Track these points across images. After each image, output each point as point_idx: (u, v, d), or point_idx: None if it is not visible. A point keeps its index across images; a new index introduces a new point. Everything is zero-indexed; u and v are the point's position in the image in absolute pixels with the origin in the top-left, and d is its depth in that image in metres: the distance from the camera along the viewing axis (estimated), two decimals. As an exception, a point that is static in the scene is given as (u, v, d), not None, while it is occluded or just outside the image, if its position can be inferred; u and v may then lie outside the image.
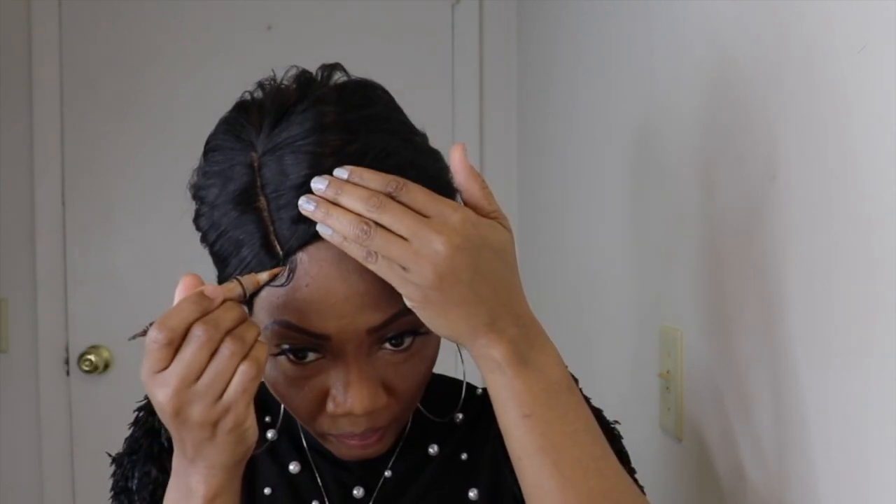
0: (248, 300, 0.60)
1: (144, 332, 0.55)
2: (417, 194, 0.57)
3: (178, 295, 0.56)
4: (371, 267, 0.56)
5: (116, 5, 2.10)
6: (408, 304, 0.57)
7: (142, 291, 2.08)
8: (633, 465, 0.74)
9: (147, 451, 0.73)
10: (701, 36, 0.85)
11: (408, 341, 0.62)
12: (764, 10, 0.70)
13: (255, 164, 0.59)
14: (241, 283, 0.57)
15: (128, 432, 0.75)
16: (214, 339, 0.54)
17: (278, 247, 0.58)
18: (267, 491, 0.73)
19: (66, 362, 2.12)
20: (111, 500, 0.74)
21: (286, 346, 0.61)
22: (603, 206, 1.26)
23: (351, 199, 0.56)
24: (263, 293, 0.59)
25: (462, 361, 0.68)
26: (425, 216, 0.56)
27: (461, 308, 0.56)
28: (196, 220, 0.63)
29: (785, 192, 0.67)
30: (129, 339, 0.59)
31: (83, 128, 2.11)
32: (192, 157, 0.66)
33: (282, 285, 0.58)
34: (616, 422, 0.76)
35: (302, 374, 0.62)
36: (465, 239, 0.56)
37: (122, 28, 2.11)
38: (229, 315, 0.55)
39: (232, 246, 0.60)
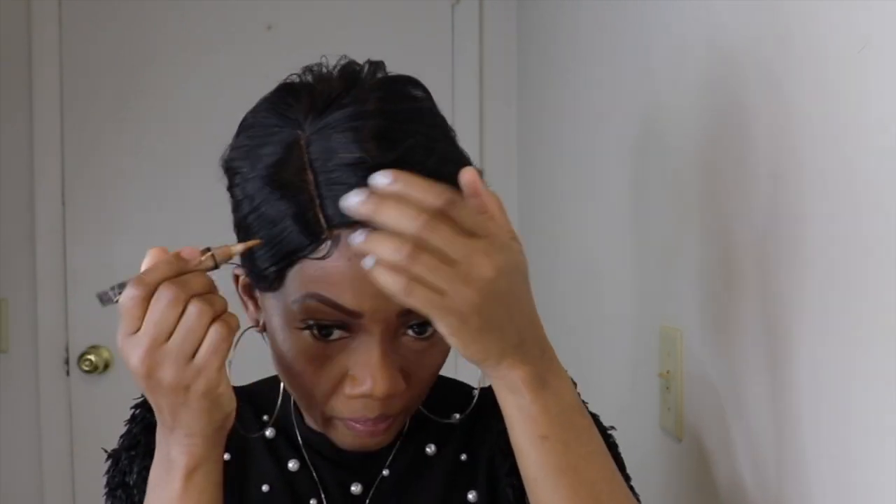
0: (280, 272, 0.61)
1: (119, 291, 0.55)
2: (468, 213, 0.53)
3: (145, 266, 0.57)
4: (408, 301, 0.52)
5: (116, 5, 2.10)
6: (442, 330, 0.54)
7: (142, 291, 2.08)
8: (633, 466, 0.74)
9: (146, 448, 0.73)
10: (701, 36, 0.85)
11: (430, 330, 0.63)
12: (764, 10, 0.70)
13: (303, 142, 0.60)
14: (213, 256, 0.58)
15: (125, 430, 0.75)
16: (181, 299, 0.55)
17: (323, 220, 0.58)
18: (265, 488, 0.73)
19: (66, 362, 2.12)
20: (106, 496, 0.74)
21: (312, 322, 0.61)
22: (603, 205, 1.26)
23: (398, 216, 0.51)
24: (298, 265, 0.60)
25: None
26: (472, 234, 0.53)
27: (496, 332, 0.55)
28: (230, 189, 0.64)
29: (785, 192, 0.67)
30: (108, 294, 0.57)
31: (83, 128, 2.10)
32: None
33: (322, 258, 0.58)
34: (612, 427, 0.76)
35: (324, 351, 0.62)
36: (506, 262, 0.54)
37: (122, 28, 2.10)
38: (198, 280, 0.56)
39: (268, 218, 0.60)
